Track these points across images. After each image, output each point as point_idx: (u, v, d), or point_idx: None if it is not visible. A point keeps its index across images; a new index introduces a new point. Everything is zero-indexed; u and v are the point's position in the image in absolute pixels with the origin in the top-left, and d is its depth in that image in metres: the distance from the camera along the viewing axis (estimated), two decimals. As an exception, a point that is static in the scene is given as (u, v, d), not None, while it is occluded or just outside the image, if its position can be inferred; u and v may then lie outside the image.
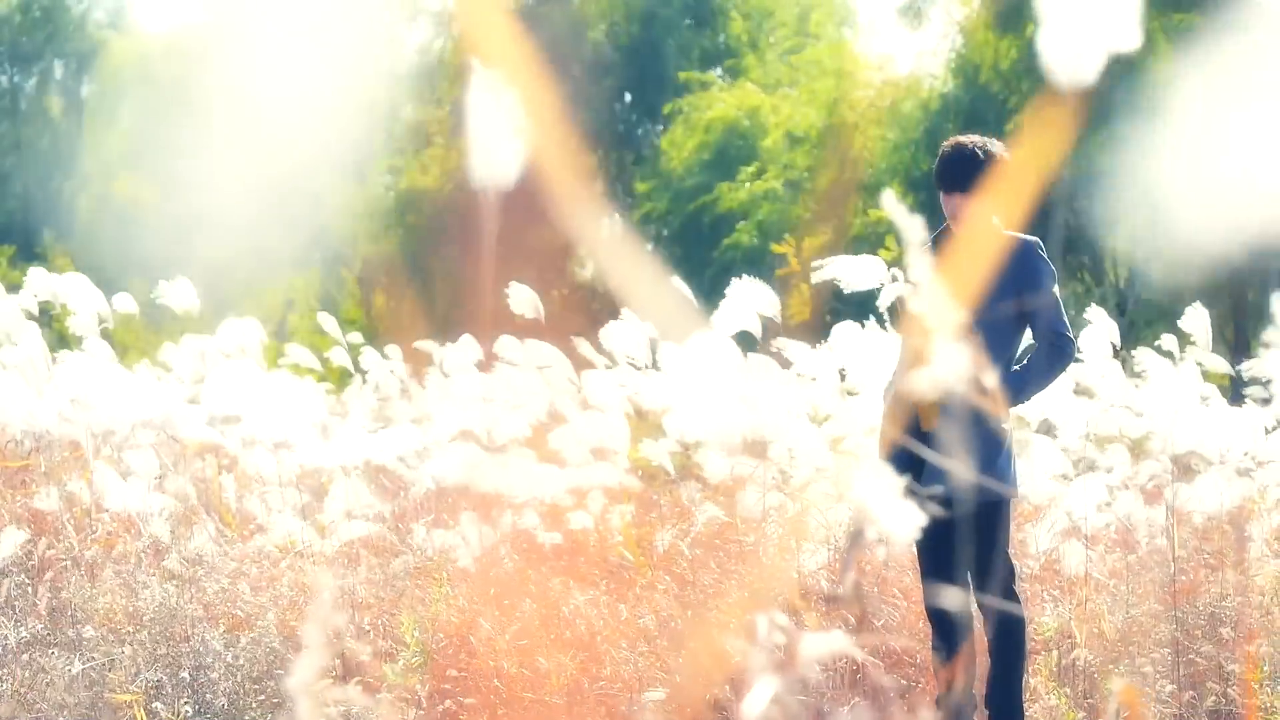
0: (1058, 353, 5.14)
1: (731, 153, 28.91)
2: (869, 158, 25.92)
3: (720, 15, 32.91)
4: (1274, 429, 10.21)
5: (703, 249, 27.85)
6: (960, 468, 5.12)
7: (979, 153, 5.16)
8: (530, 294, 9.29)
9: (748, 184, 27.69)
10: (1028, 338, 5.33)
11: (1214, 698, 6.08)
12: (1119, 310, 23.15)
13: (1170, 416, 7.54)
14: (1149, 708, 6.01)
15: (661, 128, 31.06)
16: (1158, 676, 6.12)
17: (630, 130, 33.02)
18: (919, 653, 5.84)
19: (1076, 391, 8.91)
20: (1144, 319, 23.38)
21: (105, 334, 8.59)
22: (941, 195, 5.23)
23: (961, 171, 5.15)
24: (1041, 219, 24.35)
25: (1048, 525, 7.30)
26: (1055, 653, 6.14)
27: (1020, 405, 5.27)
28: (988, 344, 5.14)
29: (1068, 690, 6.06)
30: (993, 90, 24.83)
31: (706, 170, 28.79)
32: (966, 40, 25.47)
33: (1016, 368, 5.25)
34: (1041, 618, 6.20)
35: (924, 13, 25.60)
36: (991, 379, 5.05)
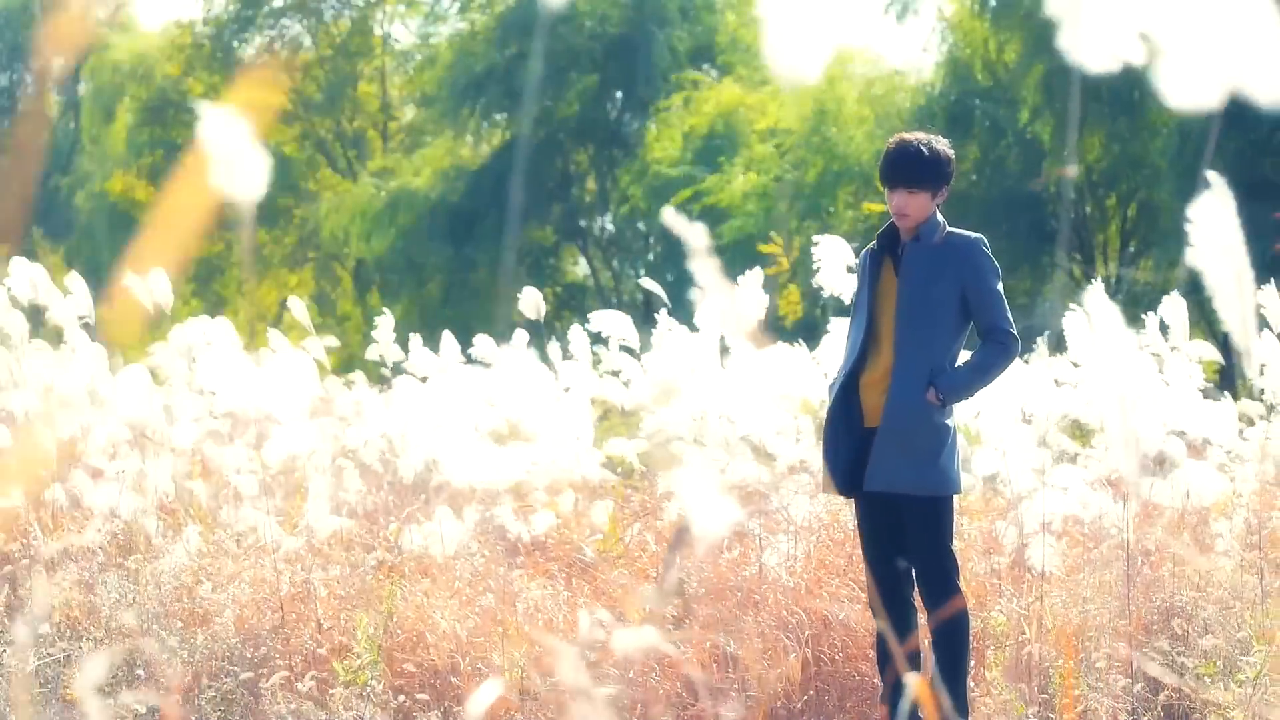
0: (1001, 349, 5.16)
1: (717, 150, 28.93)
2: (857, 152, 25.93)
3: (709, 10, 32.92)
4: (1253, 423, 10.22)
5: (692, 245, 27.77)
6: (903, 464, 5.15)
7: (924, 150, 5.18)
8: (535, 295, 9.31)
9: (733, 179, 27.66)
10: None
11: (1168, 692, 6.09)
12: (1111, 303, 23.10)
13: (1142, 407, 7.56)
14: (1101, 702, 6.03)
15: (651, 124, 31.07)
16: (1112, 670, 6.14)
17: (621, 126, 33.02)
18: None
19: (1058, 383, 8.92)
20: (1135, 312, 23.36)
21: (95, 331, 8.60)
22: (887, 192, 5.25)
23: (906, 168, 5.17)
24: (1034, 210, 24.39)
25: (1017, 519, 7.33)
26: (1009, 647, 6.16)
27: (962, 401, 5.29)
28: (931, 340, 5.17)
29: (1022, 686, 6.09)
30: (982, 85, 24.88)
31: (692, 167, 28.80)
32: (957, 35, 25.48)
33: (960, 364, 5.27)
34: (991, 612, 6.22)
35: (911, 7, 25.67)
36: (935, 375, 5.08)
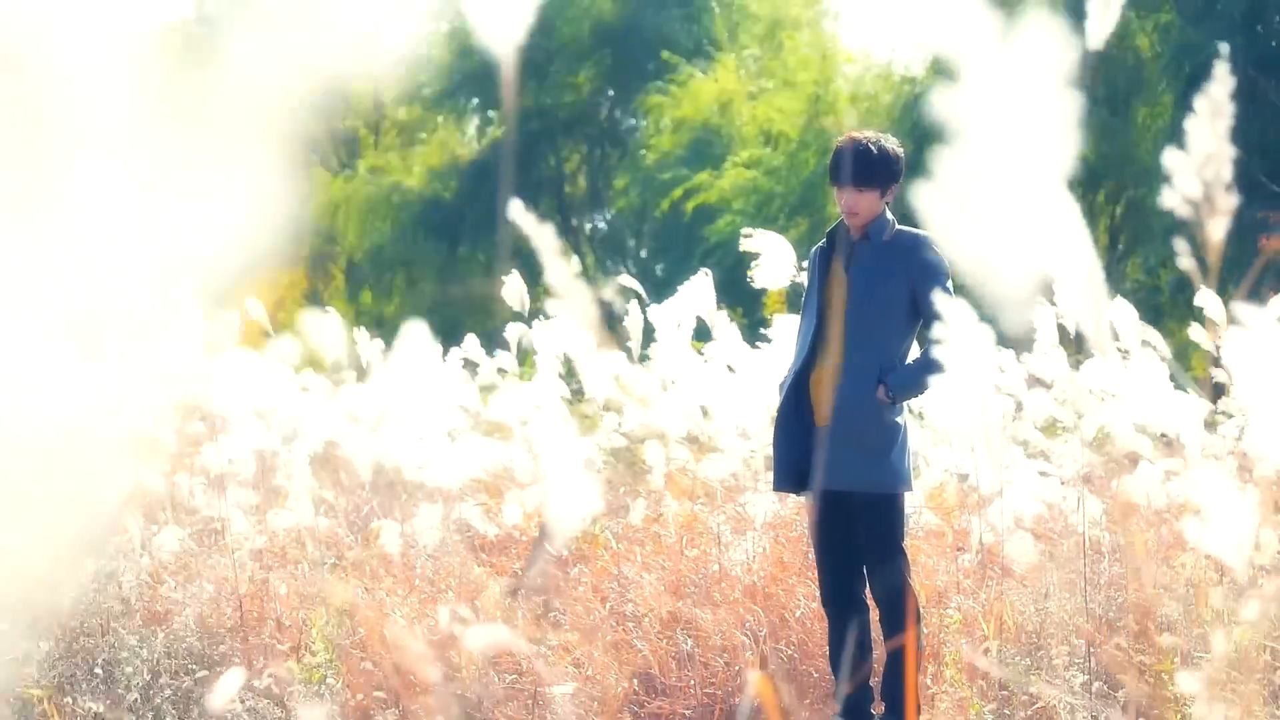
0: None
1: (709, 146, 28.92)
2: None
3: (704, 9, 32.92)
4: (1221, 419, 10.22)
5: (683, 242, 27.89)
6: (854, 462, 5.17)
7: (872, 148, 5.18)
8: (519, 284, 9.29)
9: (724, 174, 27.63)
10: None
11: (1127, 689, 6.10)
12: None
13: (1104, 404, 7.58)
14: (1060, 699, 6.04)
15: (643, 121, 31.05)
16: (1070, 667, 6.15)
17: (614, 124, 33.02)
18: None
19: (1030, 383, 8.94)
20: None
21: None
22: (836, 190, 5.26)
23: (855, 166, 5.18)
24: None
25: (987, 516, 7.34)
26: (967, 644, 6.17)
27: (913, 398, 5.30)
28: (881, 338, 5.17)
29: (981, 683, 6.09)
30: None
31: (684, 164, 28.78)
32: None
33: (909, 361, 5.28)
34: (947, 609, 6.23)
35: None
36: (886, 372, 5.09)
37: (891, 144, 5.24)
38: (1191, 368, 19.18)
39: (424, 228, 31.56)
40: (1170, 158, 1.94)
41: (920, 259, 5.16)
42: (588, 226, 34.59)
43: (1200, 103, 1.96)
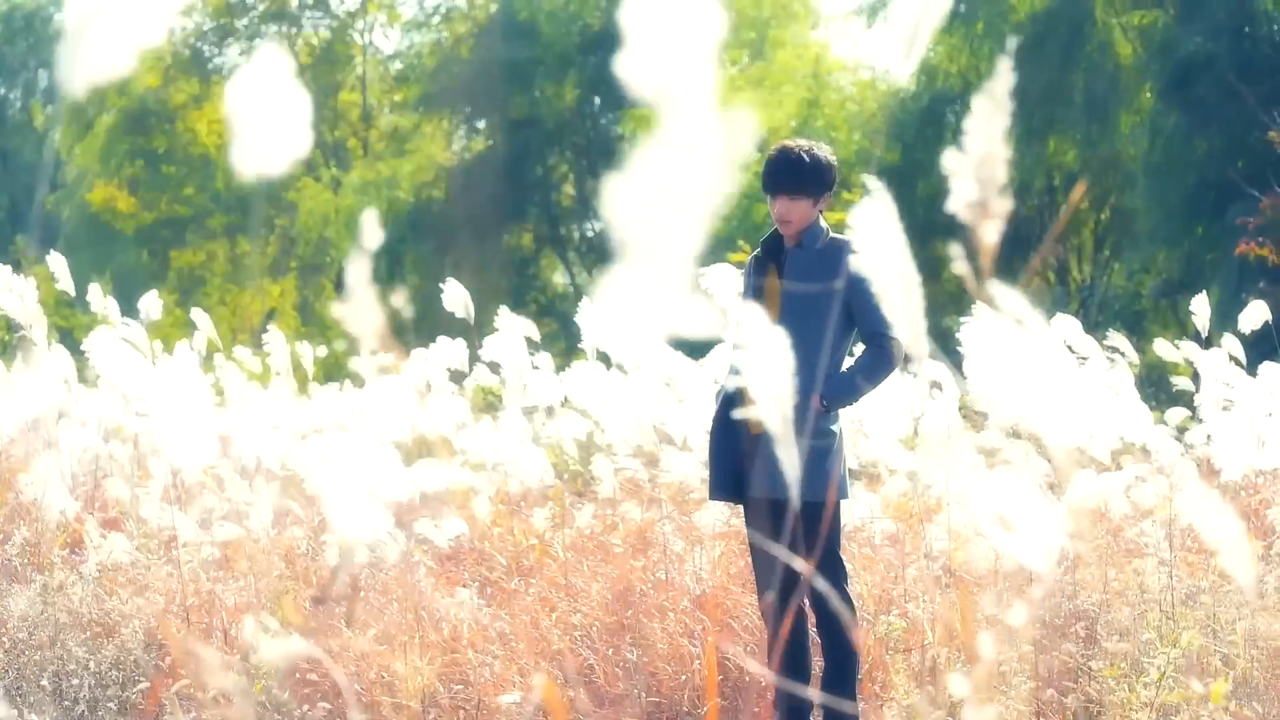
0: (883, 354, 5.17)
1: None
2: (838, 158, 25.97)
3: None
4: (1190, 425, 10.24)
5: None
6: (789, 471, 5.17)
7: (805, 157, 5.19)
8: (464, 294, 9.29)
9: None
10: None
11: (1074, 695, 6.11)
12: (1083, 308, 23.13)
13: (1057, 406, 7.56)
14: (1008, 706, 6.04)
15: (630, 130, 31.06)
16: (1018, 674, 6.15)
17: (600, 130, 33.03)
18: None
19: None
20: (1109, 315, 23.39)
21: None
22: (769, 199, 5.26)
23: (788, 175, 5.19)
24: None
25: (943, 524, 7.35)
26: (913, 651, 6.17)
27: (847, 407, 5.30)
28: (815, 346, 5.18)
29: (930, 688, 6.10)
30: (952, 89, 24.87)
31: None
32: (931, 40, 25.47)
33: (844, 369, 5.29)
34: (890, 615, 6.23)
35: (881, 13, 25.72)
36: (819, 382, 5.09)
37: (824, 153, 5.25)
38: (1174, 373, 19.20)
39: (413, 236, 31.61)
40: (950, 159, 1.94)
41: (854, 267, 5.16)
42: (576, 235, 34.59)
43: (979, 101, 1.96)
